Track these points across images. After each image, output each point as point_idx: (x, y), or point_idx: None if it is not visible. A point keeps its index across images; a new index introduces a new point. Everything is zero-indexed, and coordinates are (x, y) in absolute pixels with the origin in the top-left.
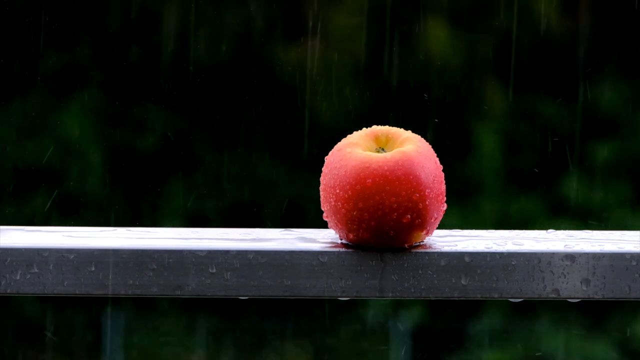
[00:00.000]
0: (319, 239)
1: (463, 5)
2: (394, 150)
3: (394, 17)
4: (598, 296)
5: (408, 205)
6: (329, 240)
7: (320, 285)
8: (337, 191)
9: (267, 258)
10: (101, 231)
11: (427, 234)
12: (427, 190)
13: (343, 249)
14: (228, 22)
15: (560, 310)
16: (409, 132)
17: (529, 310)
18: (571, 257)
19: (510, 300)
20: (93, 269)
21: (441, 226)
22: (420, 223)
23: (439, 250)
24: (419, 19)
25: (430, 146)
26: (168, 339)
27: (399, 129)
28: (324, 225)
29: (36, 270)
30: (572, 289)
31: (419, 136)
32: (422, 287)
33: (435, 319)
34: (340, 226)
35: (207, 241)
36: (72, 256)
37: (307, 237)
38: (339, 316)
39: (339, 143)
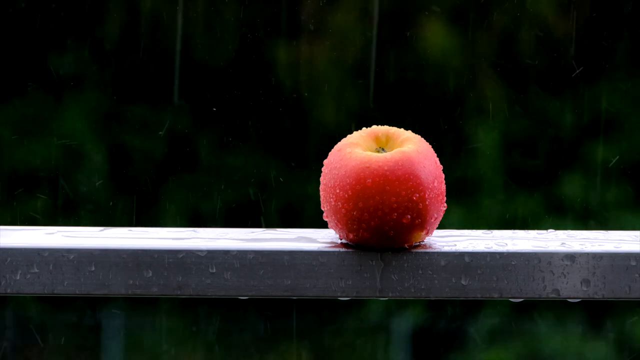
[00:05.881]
0: (319, 239)
1: (462, 3)
2: (394, 150)
3: (394, 16)
4: (598, 296)
5: (408, 205)
6: (329, 240)
7: (320, 285)
8: (337, 191)
9: (267, 258)
10: (101, 231)
11: (427, 234)
12: (427, 191)
13: (343, 249)
14: (228, 21)
15: (560, 310)
16: (409, 132)
17: (529, 310)
18: (571, 257)
19: (510, 300)
20: (93, 269)
21: (441, 226)
22: (420, 223)
23: (439, 250)
24: (418, 18)
25: (430, 146)
26: (168, 339)
27: (399, 129)
28: (324, 225)
29: (36, 270)
30: (572, 289)
31: (419, 136)
32: (422, 287)
33: (435, 319)
34: (340, 226)
35: (207, 241)
36: (72, 256)
37: (307, 237)
38: (339, 316)
39: (339, 143)
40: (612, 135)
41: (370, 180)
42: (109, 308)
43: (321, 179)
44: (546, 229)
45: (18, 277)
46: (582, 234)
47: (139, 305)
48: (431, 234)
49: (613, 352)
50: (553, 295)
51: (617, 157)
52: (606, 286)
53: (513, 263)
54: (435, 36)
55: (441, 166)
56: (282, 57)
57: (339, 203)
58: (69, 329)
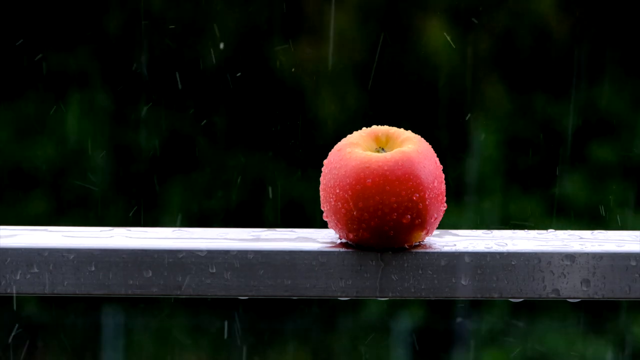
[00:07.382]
0: (319, 239)
1: (463, 4)
2: (394, 150)
3: (394, 16)
4: (598, 296)
5: (408, 205)
6: (329, 240)
7: (320, 285)
8: (337, 191)
9: (267, 258)
10: (101, 231)
11: (427, 234)
12: (427, 191)
13: (343, 249)
14: (229, 22)
15: (560, 310)
16: (409, 132)
17: (529, 310)
18: (571, 257)
19: (510, 300)
20: (93, 269)
21: (441, 226)
22: (420, 223)
23: (439, 250)
24: (419, 18)
25: (430, 146)
26: (168, 339)
27: (398, 128)
28: (324, 225)
29: (36, 270)
30: (572, 289)
31: (419, 136)
32: (422, 287)
33: (435, 319)
34: (340, 226)
35: (207, 241)
36: (72, 256)
37: (307, 237)
38: (339, 316)
39: (339, 143)
40: (613, 135)
41: (370, 180)
42: (109, 308)
43: (321, 179)
44: (546, 228)
45: (18, 277)
46: (582, 234)
47: (139, 305)
48: (431, 234)
49: (613, 352)
50: (553, 295)
51: (617, 157)
52: (606, 286)
53: (513, 263)
54: (436, 36)
55: (441, 166)
56: (283, 57)
57: (339, 203)
58: (69, 329)
